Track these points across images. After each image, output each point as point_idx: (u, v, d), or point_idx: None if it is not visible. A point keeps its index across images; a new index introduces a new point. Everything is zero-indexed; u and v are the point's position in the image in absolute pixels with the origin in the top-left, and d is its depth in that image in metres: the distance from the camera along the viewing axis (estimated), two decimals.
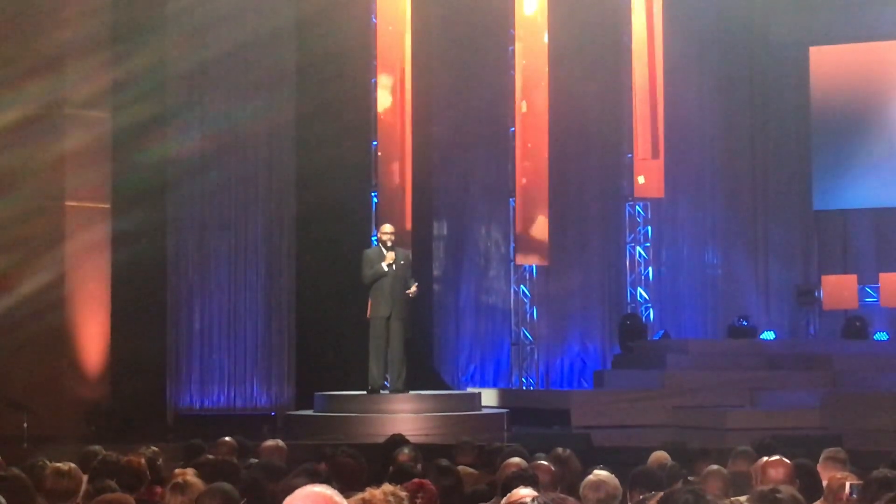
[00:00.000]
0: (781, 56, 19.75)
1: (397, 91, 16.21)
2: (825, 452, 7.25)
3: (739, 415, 14.79)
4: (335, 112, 16.28)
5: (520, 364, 18.10)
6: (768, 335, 18.85)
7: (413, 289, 13.73)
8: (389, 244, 13.75)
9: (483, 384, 17.53)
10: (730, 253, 19.72)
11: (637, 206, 19.03)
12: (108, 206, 15.06)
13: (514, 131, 17.50)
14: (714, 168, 19.64)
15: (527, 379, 18.07)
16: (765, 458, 6.57)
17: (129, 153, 14.99)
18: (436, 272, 18.05)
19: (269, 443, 8.55)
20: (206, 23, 15.63)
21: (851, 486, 6.29)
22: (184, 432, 12.93)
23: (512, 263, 18.08)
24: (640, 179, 17.89)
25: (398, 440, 8.49)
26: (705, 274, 19.66)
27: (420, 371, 16.08)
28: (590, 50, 18.29)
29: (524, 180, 17.41)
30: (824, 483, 6.72)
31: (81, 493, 6.02)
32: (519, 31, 17.37)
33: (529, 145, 17.32)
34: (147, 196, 15.23)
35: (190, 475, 5.60)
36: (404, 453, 7.69)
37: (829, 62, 19.66)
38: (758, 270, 19.65)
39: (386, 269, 13.62)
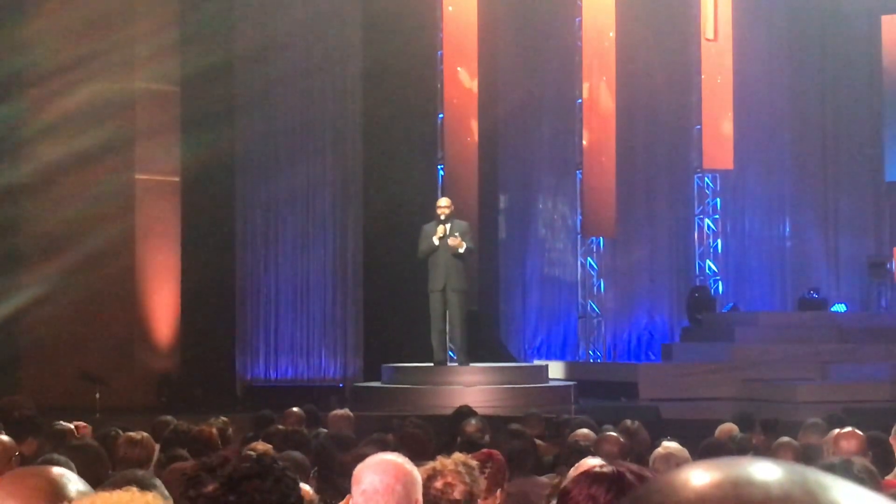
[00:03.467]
0: (852, 25, 19.43)
1: (464, 64, 16.20)
2: None
3: (810, 388, 14.64)
4: (402, 86, 16.28)
5: (587, 337, 18.06)
6: (839, 308, 18.62)
7: (454, 241, 13.36)
8: (443, 217, 13.65)
9: (550, 357, 17.50)
10: (800, 225, 19.50)
11: (706, 178, 18.88)
12: (177, 179, 15.19)
13: (580, 103, 17.41)
14: (784, 139, 19.40)
15: (594, 352, 18.03)
16: (837, 430, 6.51)
17: (198, 127, 15.11)
18: (502, 245, 18.03)
19: (338, 412, 8.62)
20: (274, 1, 15.69)
21: None
22: (252, 403, 13.05)
23: (579, 236, 18.02)
24: None
25: (465, 411, 8.50)
26: (775, 246, 19.46)
27: (487, 344, 16.10)
28: (658, 21, 18.11)
29: (591, 152, 17.34)
30: None
31: (153, 461, 6.09)
32: (586, 2, 17.26)
33: (596, 117, 17.25)
34: (216, 169, 15.35)
35: (262, 447, 5.63)
36: (472, 424, 7.70)
37: None
38: (828, 242, 19.42)
39: (437, 242, 13.53)
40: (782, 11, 19.13)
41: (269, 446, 5.71)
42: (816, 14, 19.41)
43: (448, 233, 13.44)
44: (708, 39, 18.09)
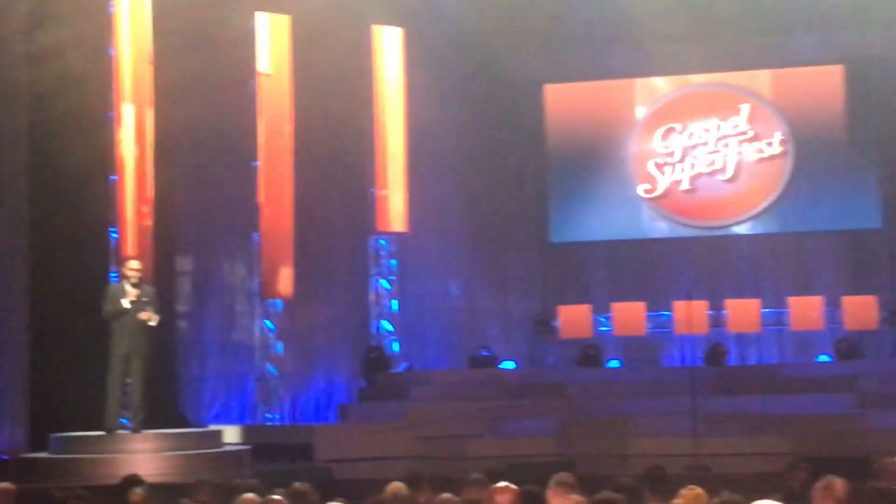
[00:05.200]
0: (517, 93, 20.38)
1: (137, 125, 15.96)
2: (555, 478, 7.48)
3: (480, 443, 15.12)
4: (73, 144, 15.85)
5: (265, 399, 17.99)
6: (508, 365, 19.32)
7: (146, 315, 13.31)
8: (134, 281, 13.45)
9: (229, 421, 17.33)
10: (472, 285, 20.14)
11: (381, 240, 19.25)
12: None
13: (257, 165, 17.44)
14: (457, 203, 20.03)
15: (272, 415, 17.97)
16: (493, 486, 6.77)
17: None
18: (180, 309, 17.79)
19: None
20: None
21: None
22: None
23: (257, 298, 17.97)
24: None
25: (132, 480, 8.34)
26: (448, 306, 20.01)
27: (164, 410, 15.79)
28: (333, 84, 18.37)
29: (268, 214, 17.38)
30: None
31: None
32: (260, 64, 17.37)
33: (273, 179, 17.32)
34: None
35: None
36: (137, 493, 7.58)
37: (564, 99, 20.41)
38: (498, 302, 20.13)
39: (127, 306, 13.32)
40: (453, 79, 19.81)
41: None
42: (483, 82, 20.22)
43: (140, 298, 13.26)
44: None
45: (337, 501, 7.41)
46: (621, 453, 14.26)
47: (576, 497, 6.92)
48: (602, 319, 19.26)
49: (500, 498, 6.41)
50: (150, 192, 16.13)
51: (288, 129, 17.45)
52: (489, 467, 9.17)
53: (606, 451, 14.24)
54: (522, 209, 20.45)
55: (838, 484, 6.64)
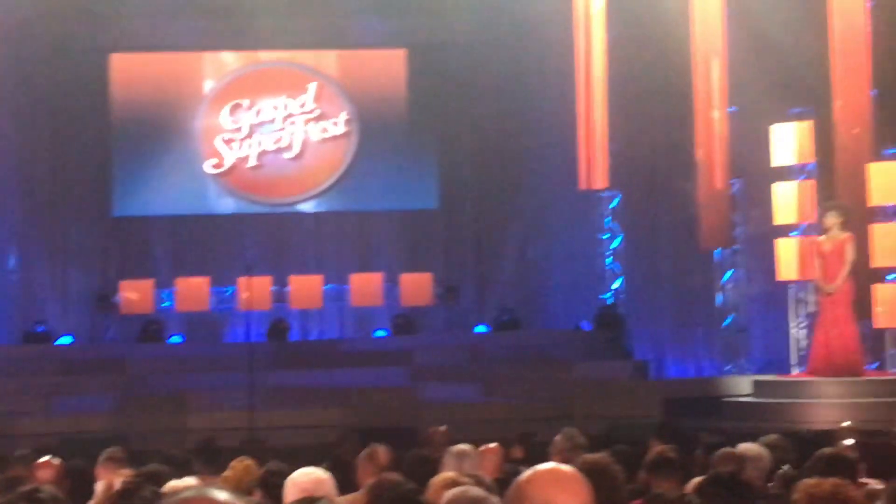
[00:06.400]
0: (81, 61, 19.67)
1: None
2: (104, 453, 7.41)
3: (32, 421, 14.61)
4: None
5: None
6: (66, 340, 18.74)
7: None
8: None
9: None
10: (28, 257, 19.33)
11: None
12: None
13: None
14: (14, 172, 19.12)
15: None
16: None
17: None
18: None
19: None
20: None
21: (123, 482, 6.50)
22: None
23: None
24: None
25: None
26: (3, 279, 19.13)
27: None
28: None
29: None
30: (100, 483, 6.87)
31: None
32: None
33: None
34: None
35: None
36: None
37: (130, 69, 19.94)
38: (56, 275, 19.44)
39: None
40: (12, 44, 18.73)
41: None
42: (47, 49, 19.39)
43: None
44: None
45: None
46: (180, 428, 14.18)
47: (125, 471, 6.87)
48: (165, 295, 19.04)
49: (41, 473, 6.23)
50: None
51: None
52: (40, 444, 8.90)
53: (164, 427, 14.11)
54: (84, 181, 19.86)
55: (381, 452, 6.93)
